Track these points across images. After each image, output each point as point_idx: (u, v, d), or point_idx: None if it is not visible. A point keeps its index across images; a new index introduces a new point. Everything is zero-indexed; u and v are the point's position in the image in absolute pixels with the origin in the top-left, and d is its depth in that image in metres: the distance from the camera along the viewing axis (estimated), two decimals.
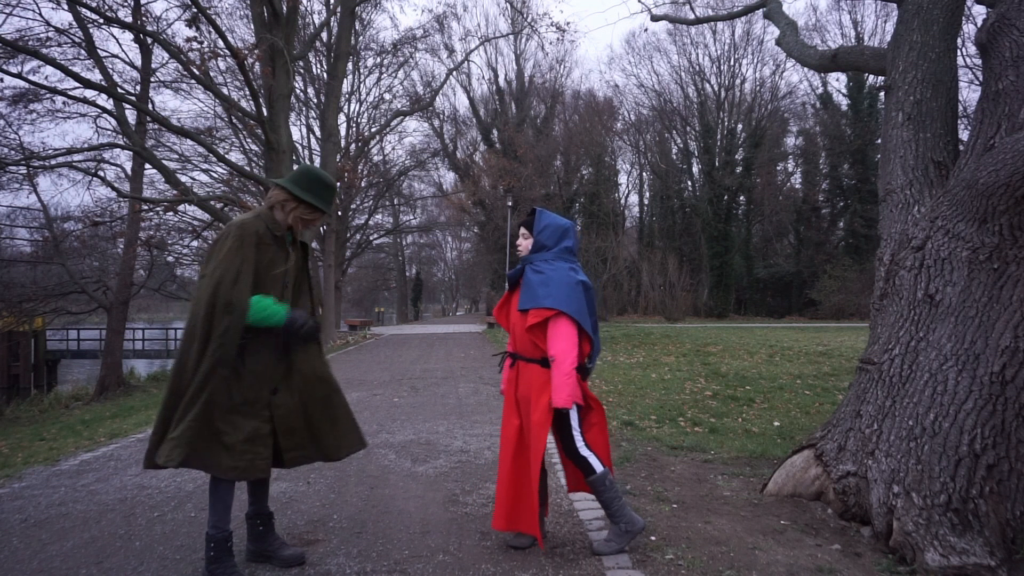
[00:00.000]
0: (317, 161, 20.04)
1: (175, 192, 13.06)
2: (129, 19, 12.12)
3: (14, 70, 11.42)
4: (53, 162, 13.57)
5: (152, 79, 17.83)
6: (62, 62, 12.27)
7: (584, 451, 2.81)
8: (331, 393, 2.78)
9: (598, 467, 2.79)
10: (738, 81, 34.43)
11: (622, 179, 40.04)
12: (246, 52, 10.83)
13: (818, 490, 3.40)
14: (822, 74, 31.43)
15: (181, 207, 14.69)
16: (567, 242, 2.91)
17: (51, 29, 14.36)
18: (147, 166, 16.93)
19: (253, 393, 2.53)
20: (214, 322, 2.44)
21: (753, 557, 2.78)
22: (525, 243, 2.96)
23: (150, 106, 16.92)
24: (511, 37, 31.30)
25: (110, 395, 16.11)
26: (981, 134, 3.05)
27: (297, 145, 23.36)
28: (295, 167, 2.85)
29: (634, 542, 2.92)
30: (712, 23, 30.04)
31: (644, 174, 39.31)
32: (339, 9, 15.88)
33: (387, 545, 2.96)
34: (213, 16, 12.76)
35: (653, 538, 3.00)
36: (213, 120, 20.59)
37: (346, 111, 25.18)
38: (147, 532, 3.15)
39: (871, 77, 29.18)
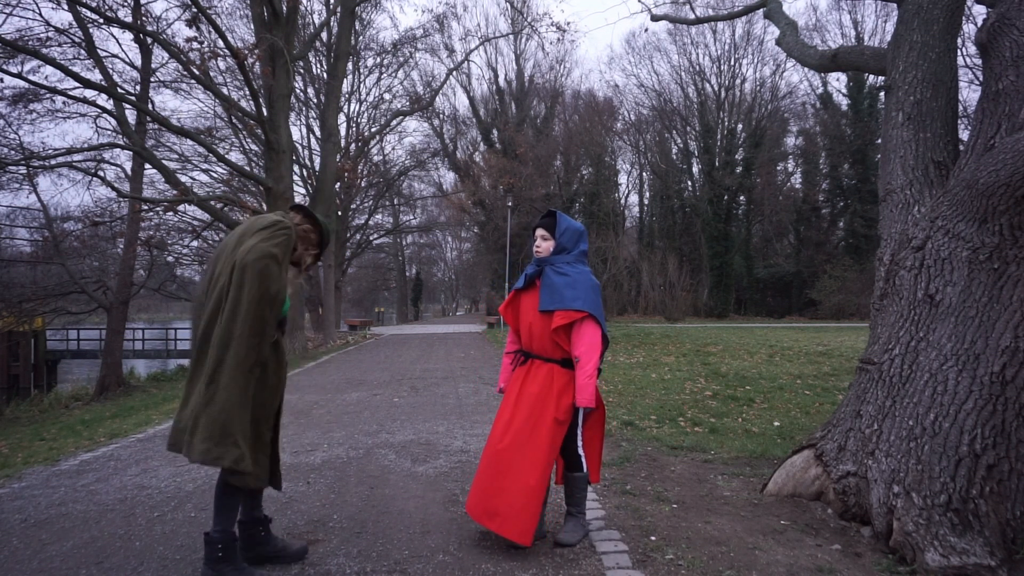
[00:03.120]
0: (317, 161, 20.03)
1: (175, 192, 13.07)
2: (129, 19, 12.12)
3: (14, 70, 11.44)
4: (53, 162, 13.59)
5: (152, 79, 17.83)
6: (62, 62, 12.29)
7: (581, 450, 2.98)
8: None
9: (584, 468, 2.99)
10: (738, 81, 34.42)
11: (622, 179, 40.07)
12: (246, 52, 10.84)
13: (818, 490, 3.40)
14: (822, 74, 31.44)
15: (181, 207, 14.71)
16: (583, 245, 3.02)
17: (51, 29, 14.37)
18: (147, 166, 16.94)
19: (272, 400, 2.59)
20: (264, 311, 2.41)
21: (753, 557, 2.78)
22: (546, 245, 2.99)
23: (150, 106, 16.92)
24: (511, 37, 31.32)
25: (110, 395, 16.11)
26: (981, 134, 3.05)
27: (297, 145, 23.36)
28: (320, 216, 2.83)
29: (634, 542, 2.95)
30: (712, 23, 30.03)
31: (644, 174, 39.32)
32: (339, 9, 15.89)
33: (387, 545, 2.96)
34: (213, 16, 12.77)
35: (653, 538, 3.00)
36: (213, 120, 20.61)
37: (346, 111, 25.23)
38: (147, 532, 3.15)
39: (871, 77, 29.19)
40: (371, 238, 32.87)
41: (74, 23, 13.74)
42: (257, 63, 12.01)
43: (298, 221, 2.65)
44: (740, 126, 34.65)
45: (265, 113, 12.54)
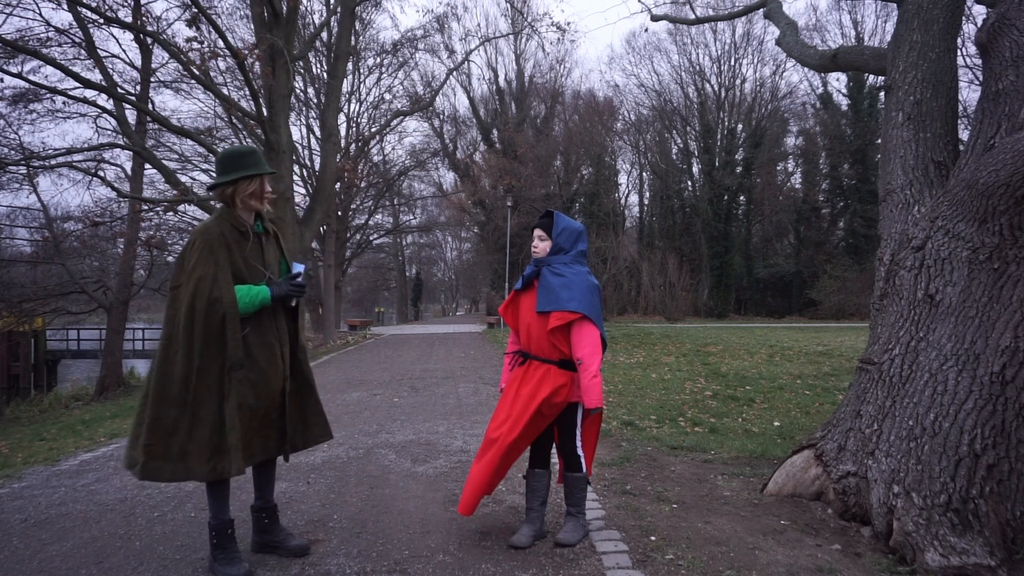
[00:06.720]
0: (317, 161, 20.03)
1: (175, 192, 13.07)
2: (129, 19, 12.09)
3: (14, 70, 11.43)
4: (53, 162, 13.57)
5: (152, 79, 17.84)
6: (62, 62, 12.28)
7: (579, 450, 2.99)
8: (307, 386, 2.90)
9: (583, 468, 3.00)
10: (738, 81, 34.39)
11: (622, 179, 39.98)
12: (246, 52, 10.82)
13: (818, 490, 3.40)
14: (822, 74, 31.43)
15: (181, 207, 14.71)
16: (582, 245, 3.01)
17: (51, 29, 14.38)
18: (147, 166, 16.94)
19: (268, 388, 2.64)
20: (202, 326, 2.48)
21: (753, 557, 2.78)
22: (543, 245, 3.00)
23: (150, 106, 16.92)
24: (511, 37, 31.22)
25: (110, 395, 16.13)
26: (981, 134, 3.05)
27: (297, 145, 23.33)
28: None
29: (635, 542, 2.95)
30: (712, 23, 30.04)
31: (644, 174, 39.25)
32: (339, 9, 15.87)
33: (387, 545, 2.96)
34: (213, 16, 12.76)
35: (653, 538, 3.00)
36: (213, 120, 20.59)
37: (346, 111, 25.17)
38: (147, 532, 3.15)
39: (871, 77, 29.17)
40: (371, 238, 32.86)
41: (74, 23, 13.73)
42: (257, 63, 11.98)
43: (214, 196, 2.82)
44: (740, 126, 34.62)
45: (265, 113, 12.52)
